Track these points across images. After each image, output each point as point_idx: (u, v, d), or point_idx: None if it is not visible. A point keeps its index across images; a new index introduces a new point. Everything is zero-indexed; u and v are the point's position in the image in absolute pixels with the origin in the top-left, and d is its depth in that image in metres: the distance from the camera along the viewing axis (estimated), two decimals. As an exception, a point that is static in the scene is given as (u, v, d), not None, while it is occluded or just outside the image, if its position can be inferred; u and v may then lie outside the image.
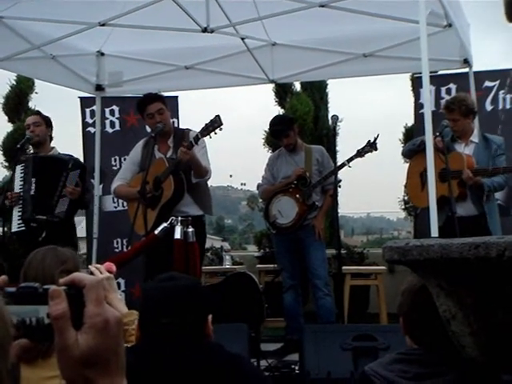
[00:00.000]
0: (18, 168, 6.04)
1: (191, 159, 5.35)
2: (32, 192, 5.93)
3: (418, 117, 7.00)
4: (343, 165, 6.20)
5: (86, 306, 0.92)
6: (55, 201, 5.96)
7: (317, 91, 10.57)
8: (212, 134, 5.24)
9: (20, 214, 5.96)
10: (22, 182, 5.99)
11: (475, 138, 5.90)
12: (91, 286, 0.93)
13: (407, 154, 6.28)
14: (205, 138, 5.44)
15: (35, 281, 0.94)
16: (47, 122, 6.25)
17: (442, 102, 6.89)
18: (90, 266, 2.92)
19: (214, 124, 5.21)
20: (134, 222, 5.47)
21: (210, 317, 2.26)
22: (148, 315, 2.23)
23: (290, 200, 6.44)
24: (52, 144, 6.35)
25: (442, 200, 5.53)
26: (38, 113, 6.45)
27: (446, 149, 5.54)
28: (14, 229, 6.00)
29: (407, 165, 6.32)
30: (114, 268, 2.96)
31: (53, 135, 6.38)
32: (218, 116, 5.22)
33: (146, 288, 2.35)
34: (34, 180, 5.95)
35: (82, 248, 8.10)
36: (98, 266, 2.91)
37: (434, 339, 2.22)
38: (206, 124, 5.23)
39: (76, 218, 6.41)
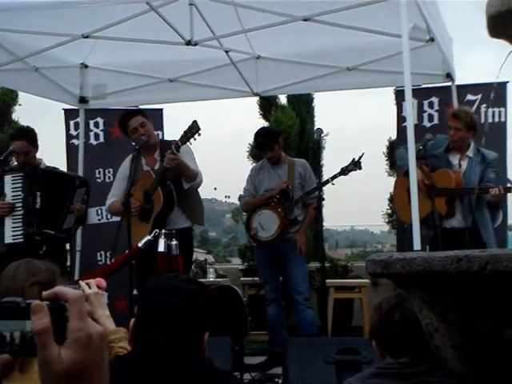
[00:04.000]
0: (10, 178, 5.87)
1: (179, 163, 5.36)
2: (37, 205, 5.82)
3: (401, 130, 7.03)
4: (327, 182, 6.23)
5: (69, 321, 0.92)
6: (62, 217, 5.90)
7: (303, 105, 10.61)
8: (192, 140, 5.26)
9: (18, 225, 5.81)
10: (19, 193, 5.83)
11: (470, 152, 5.94)
12: (74, 300, 0.93)
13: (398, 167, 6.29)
14: (191, 147, 5.47)
15: (7, 293, 0.93)
16: (33, 143, 6.13)
17: (425, 115, 6.95)
18: (80, 281, 2.89)
19: (192, 130, 5.22)
20: (129, 236, 5.38)
21: (206, 335, 2.23)
22: (141, 325, 2.20)
23: (272, 214, 6.43)
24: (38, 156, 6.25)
25: (431, 216, 5.57)
26: (25, 137, 6.10)
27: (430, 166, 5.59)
28: (8, 240, 5.81)
29: (392, 179, 6.36)
30: (104, 284, 2.93)
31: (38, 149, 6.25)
32: (195, 121, 5.23)
33: (144, 297, 2.28)
34: (38, 193, 5.82)
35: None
36: (89, 280, 2.89)
37: (411, 354, 2.30)
38: (185, 131, 5.24)
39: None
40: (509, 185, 5.65)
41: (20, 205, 5.84)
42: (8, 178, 5.89)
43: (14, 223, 5.84)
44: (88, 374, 0.92)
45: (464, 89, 6.97)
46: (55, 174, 6.09)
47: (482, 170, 5.83)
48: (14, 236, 5.82)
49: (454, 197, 5.70)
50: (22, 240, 5.80)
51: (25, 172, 5.91)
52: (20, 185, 5.86)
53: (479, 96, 6.94)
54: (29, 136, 6.16)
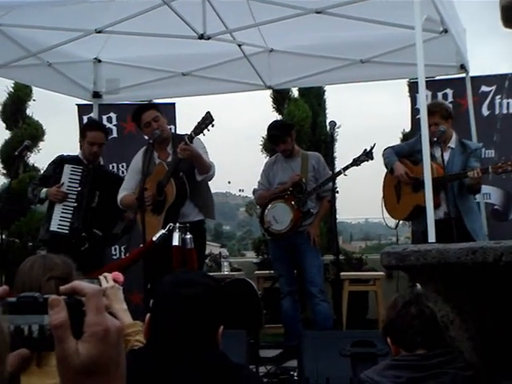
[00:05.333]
0: (69, 167, 5.93)
1: (192, 154, 5.34)
2: (94, 204, 5.91)
3: (415, 122, 7.00)
4: (339, 173, 6.19)
5: (86, 315, 0.92)
6: (114, 221, 6.00)
7: (314, 97, 10.60)
8: (205, 131, 5.25)
9: (67, 216, 5.87)
10: (75, 185, 5.89)
11: (453, 143, 5.93)
12: (91, 294, 0.93)
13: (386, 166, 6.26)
14: (203, 141, 5.47)
15: (23, 288, 0.94)
16: (107, 136, 6.28)
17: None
18: (98, 276, 2.91)
19: (206, 121, 5.21)
20: (143, 230, 5.34)
21: (221, 328, 2.23)
22: (156, 319, 2.20)
23: (286, 207, 6.42)
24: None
25: (417, 209, 5.57)
26: (102, 129, 6.24)
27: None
28: (54, 228, 5.87)
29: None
30: (121, 278, 2.94)
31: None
32: (208, 112, 5.21)
33: (159, 290, 2.28)
34: (98, 193, 5.92)
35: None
36: (106, 274, 2.90)
37: (428, 346, 2.33)
38: (198, 122, 5.23)
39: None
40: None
41: (74, 197, 5.90)
42: (67, 168, 5.95)
43: (63, 213, 5.89)
44: (105, 367, 0.93)
45: (478, 80, 6.93)
46: (118, 177, 6.21)
47: (464, 159, 5.82)
48: (59, 225, 5.88)
49: (438, 187, 5.64)
50: (67, 232, 5.86)
51: (88, 168, 5.97)
52: (78, 177, 5.93)
53: (493, 87, 6.89)
54: (105, 128, 6.35)
